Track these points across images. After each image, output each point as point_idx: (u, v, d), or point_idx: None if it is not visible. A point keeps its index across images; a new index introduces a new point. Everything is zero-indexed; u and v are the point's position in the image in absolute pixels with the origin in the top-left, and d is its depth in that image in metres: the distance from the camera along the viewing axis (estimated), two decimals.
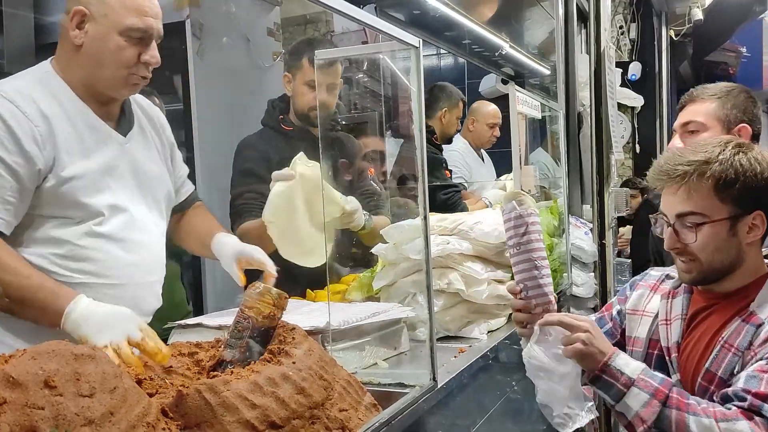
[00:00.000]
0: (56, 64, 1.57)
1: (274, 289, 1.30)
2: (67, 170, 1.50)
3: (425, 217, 1.55)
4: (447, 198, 3.28)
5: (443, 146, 3.77)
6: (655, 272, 1.68)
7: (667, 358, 1.52)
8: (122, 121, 1.65)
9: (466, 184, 3.91)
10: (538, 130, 3.98)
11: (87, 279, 1.53)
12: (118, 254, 1.57)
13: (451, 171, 3.69)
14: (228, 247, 1.76)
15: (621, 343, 1.64)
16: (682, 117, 1.95)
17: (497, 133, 4.07)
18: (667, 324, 1.54)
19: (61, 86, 1.55)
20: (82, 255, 1.53)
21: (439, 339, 2.00)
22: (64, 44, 1.56)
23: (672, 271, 1.59)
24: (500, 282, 2.14)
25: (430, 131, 3.55)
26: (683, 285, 1.54)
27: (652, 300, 1.60)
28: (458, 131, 3.84)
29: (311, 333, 1.44)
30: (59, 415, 0.81)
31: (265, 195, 2.25)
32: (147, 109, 1.76)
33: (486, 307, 2.07)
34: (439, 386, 1.53)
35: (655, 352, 1.56)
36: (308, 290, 2.16)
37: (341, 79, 2.45)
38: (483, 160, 4.15)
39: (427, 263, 1.56)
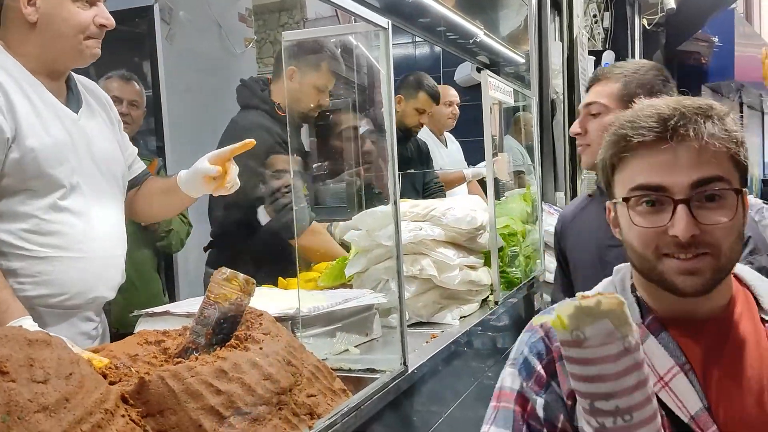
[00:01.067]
0: (2, 44, 1.56)
1: (242, 274, 1.27)
2: (29, 141, 1.49)
3: (395, 203, 1.54)
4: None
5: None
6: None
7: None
8: (71, 99, 1.65)
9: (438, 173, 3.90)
10: (510, 118, 3.97)
11: (54, 253, 1.53)
12: (83, 228, 1.58)
13: (408, 159, 3.64)
14: (192, 168, 1.73)
15: None
16: (587, 97, 1.80)
17: (456, 110, 4.01)
18: (663, 386, 0.97)
19: (13, 63, 1.54)
20: (48, 229, 1.53)
21: (412, 325, 2.00)
22: (12, 24, 1.55)
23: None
24: (472, 268, 2.14)
25: None
26: (648, 321, 1.02)
27: None
28: (421, 125, 3.69)
29: (280, 319, 1.42)
30: (11, 402, 0.78)
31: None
32: (91, 88, 1.76)
33: (458, 292, 2.07)
34: (409, 371, 1.52)
35: None
36: (280, 278, 2.14)
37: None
38: (446, 145, 4.09)
39: (397, 248, 1.55)
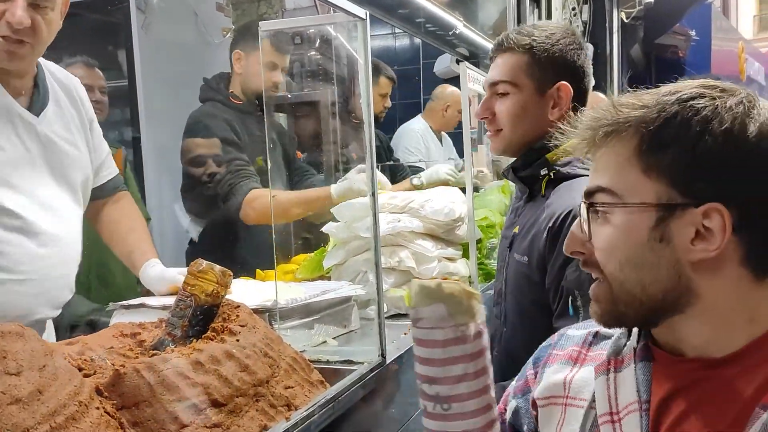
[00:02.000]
0: None
1: (218, 266, 1.27)
2: None
3: (373, 194, 1.54)
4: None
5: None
6: (575, 331, 1.00)
7: None
8: (35, 98, 1.54)
9: (423, 165, 3.92)
10: None
11: None
12: (31, 249, 1.48)
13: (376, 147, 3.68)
14: (161, 286, 1.66)
15: None
16: (491, 73, 1.56)
17: (459, 117, 4.08)
18: (614, 422, 0.85)
19: None
20: None
21: (391, 317, 2.00)
22: None
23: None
24: (450, 259, 2.15)
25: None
26: (636, 348, 0.88)
27: (580, 377, 0.92)
28: (386, 108, 3.75)
29: (258, 311, 1.42)
30: None
31: (248, 162, 2.27)
32: (64, 81, 1.64)
33: None
34: (387, 362, 1.53)
35: None
36: (258, 270, 2.14)
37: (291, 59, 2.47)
38: (441, 142, 4.17)
39: (375, 240, 1.55)
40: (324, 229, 2.06)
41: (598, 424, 0.86)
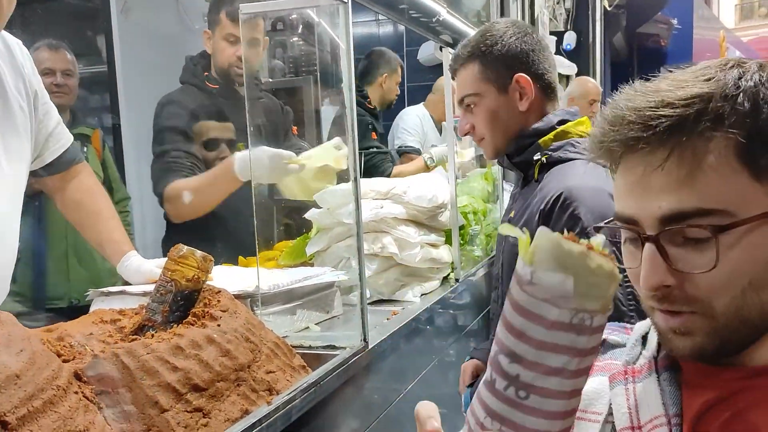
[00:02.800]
0: None
1: (199, 251, 1.26)
2: None
3: (356, 179, 1.53)
4: (368, 159, 3.30)
5: (383, 112, 3.77)
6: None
7: None
8: None
9: (418, 146, 3.93)
10: None
11: None
12: None
13: (381, 134, 3.69)
14: (138, 279, 1.62)
15: None
16: (457, 91, 1.63)
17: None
18: None
19: None
20: None
21: (373, 302, 2.01)
22: None
23: (611, 332, 0.87)
24: (433, 246, 2.15)
25: (363, 95, 3.54)
26: (658, 357, 0.80)
27: (591, 388, 0.80)
28: (397, 96, 3.81)
29: (239, 297, 1.41)
30: None
31: (192, 153, 2.18)
32: (13, 48, 1.50)
33: (419, 270, 2.08)
34: (369, 347, 1.53)
35: None
36: (240, 257, 2.12)
37: (266, 37, 2.36)
38: (440, 132, 4.17)
39: (357, 226, 1.55)
40: (307, 215, 2.05)
41: None
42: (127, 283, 1.66)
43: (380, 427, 1.61)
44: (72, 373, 0.96)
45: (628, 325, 0.89)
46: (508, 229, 0.64)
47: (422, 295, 2.07)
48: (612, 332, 0.87)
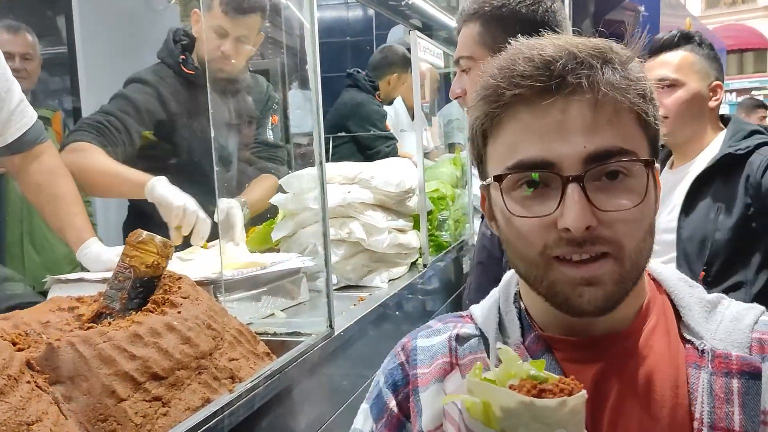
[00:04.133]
0: None
1: (159, 237, 1.23)
2: None
3: (321, 163, 1.51)
4: (390, 150, 3.32)
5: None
6: (427, 340, 0.85)
7: None
8: None
9: (394, 133, 3.92)
10: (444, 84, 3.98)
11: None
12: None
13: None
14: (98, 268, 1.57)
15: None
16: (456, 50, 1.45)
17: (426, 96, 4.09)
18: None
19: None
20: None
21: (341, 288, 1.99)
22: None
23: (457, 324, 0.86)
24: (401, 231, 2.14)
25: (374, 86, 3.56)
26: (525, 341, 0.79)
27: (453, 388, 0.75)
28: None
29: (201, 283, 1.38)
30: None
31: (132, 136, 2.01)
32: None
33: (387, 256, 2.07)
34: (336, 333, 1.51)
35: None
36: (205, 242, 2.09)
37: (261, 33, 2.19)
38: (413, 117, 4.17)
39: (323, 210, 1.53)
40: (272, 200, 2.02)
41: None
42: (86, 270, 1.62)
43: (347, 414, 1.60)
44: (24, 362, 0.93)
45: (464, 313, 0.89)
46: (450, 397, 0.63)
47: (390, 280, 2.06)
48: (457, 324, 0.85)
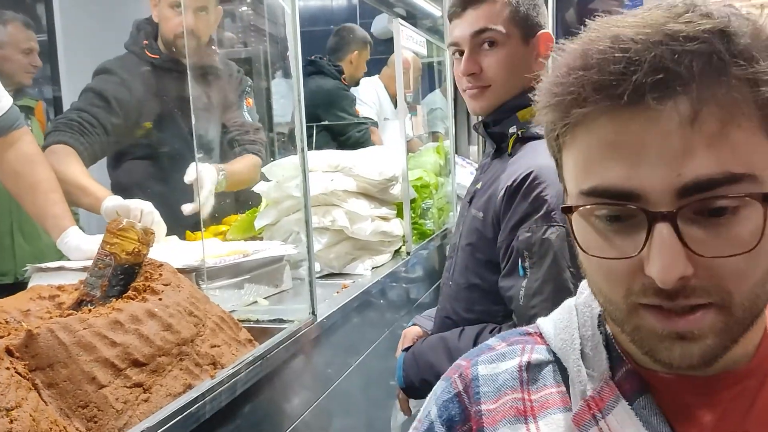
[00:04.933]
0: None
1: (139, 224, 1.22)
2: None
3: (303, 150, 1.51)
4: (361, 135, 3.29)
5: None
6: (490, 367, 0.71)
7: None
8: None
9: (375, 118, 3.91)
10: (435, 74, 3.98)
11: None
12: None
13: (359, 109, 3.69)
14: (78, 257, 1.56)
15: None
16: (468, 22, 1.36)
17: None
18: None
19: None
20: None
21: (324, 276, 2.00)
22: None
23: (526, 346, 0.71)
24: (384, 219, 2.14)
25: (339, 70, 3.53)
26: (616, 377, 0.63)
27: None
28: (365, 74, 3.79)
29: (183, 271, 1.38)
30: None
31: (106, 128, 2.04)
32: None
33: (370, 243, 2.07)
34: (318, 320, 1.52)
35: None
36: (188, 232, 2.08)
37: (219, 6, 2.21)
38: (396, 105, 4.15)
39: (305, 198, 1.53)
40: (255, 188, 2.02)
41: None
42: (67, 258, 1.61)
43: (329, 400, 1.61)
44: (3, 349, 0.93)
45: (530, 329, 0.73)
46: None
47: (373, 268, 2.06)
48: (525, 347, 0.70)
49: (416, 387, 1.42)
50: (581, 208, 0.57)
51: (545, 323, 0.72)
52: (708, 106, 0.52)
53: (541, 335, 0.71)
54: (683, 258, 0.53)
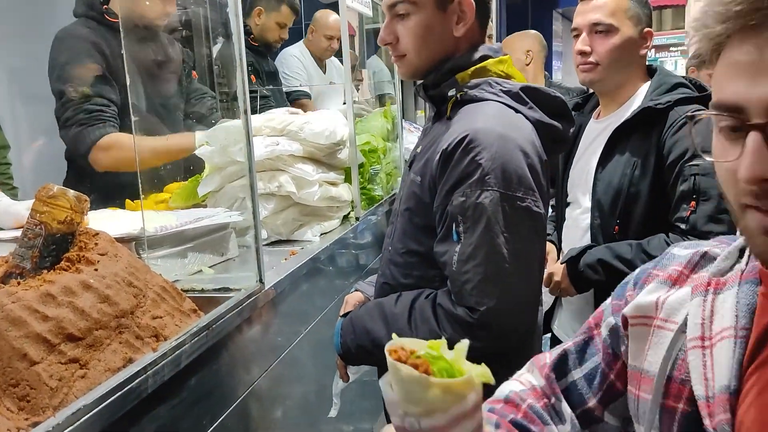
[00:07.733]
0: None
1: (72, 191, 1.15)
2: None
3: (246, 112, 1.45)
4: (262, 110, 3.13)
5: (265, 51, 3.50)
6: (682, 250, 0.85)
7: (706, 422, 0.70)
8: None
9: (307, 90, 3.79)
10: (372, 37, 3.91)
11: None
12: None
13: (271, 74, 3.49)
14: (6, 221, 1.50)
15: (616, 392, 0.88)
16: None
17: (335, 45, 3.90)
18: (704, 347, 0.73)
19: None
20: None
21: (271, 243, 1.95)
22: None
23: (716, 245, 0.82)
24: (332, 184, 2.10)
25: (246, 31, 3.24)
26: (744, 270, 0.75)
27: (675, 298, 0.79)
28: (282, 39, 3.54)
29: (122, 240, 1.32)
30: None
31: (113, 101, 2.04)
32: None
33: (318, 209, 2.03)
34: (266, 288, 1.48)
35: (680, 406, 0.74)
36: (128, 200, 2.00)
37: None
38: (324, 70, 4.01)
39: (249, 162, 1.48)
40: (197, 152, 1.94)
41: (686, 350, 0.73)
42: None
43: (280, 369, 1.58)
44: None
45: (724, 238, 0.85)
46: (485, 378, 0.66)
47: (322, 234, 2.02)
48: (717, 245, 0.82)
49: (353, 353, 1.38)
50: (708, 117, 0.67)
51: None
52: None
53: (728, 242, 0.81)
54: (766, 162, 0.61)
